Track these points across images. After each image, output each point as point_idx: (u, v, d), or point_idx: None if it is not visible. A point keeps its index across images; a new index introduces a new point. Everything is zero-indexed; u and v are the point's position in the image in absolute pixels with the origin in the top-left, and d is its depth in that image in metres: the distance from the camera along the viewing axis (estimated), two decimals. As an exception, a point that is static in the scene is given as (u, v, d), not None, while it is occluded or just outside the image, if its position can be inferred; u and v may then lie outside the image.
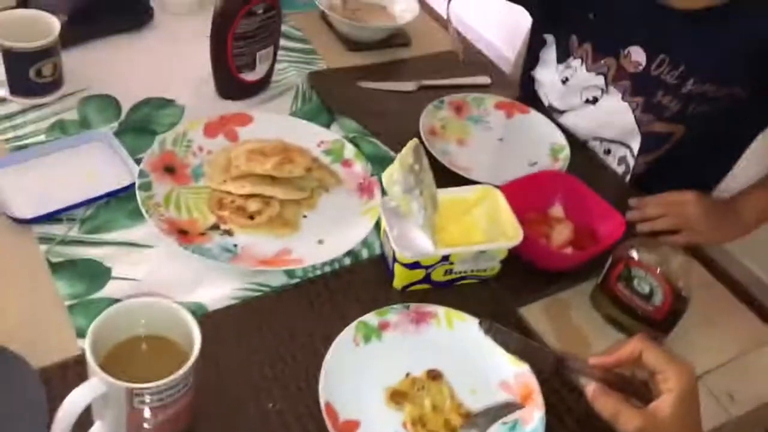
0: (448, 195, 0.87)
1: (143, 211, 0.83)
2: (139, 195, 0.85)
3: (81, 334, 0.73)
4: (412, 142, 0.83)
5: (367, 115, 1.08)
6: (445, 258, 0.82)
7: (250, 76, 1.05)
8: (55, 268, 0.79)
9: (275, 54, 1.08)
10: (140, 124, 0.99)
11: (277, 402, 0.72)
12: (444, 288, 0.85)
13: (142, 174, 0.88)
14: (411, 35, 1.29)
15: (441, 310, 0.81)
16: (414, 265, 0.82)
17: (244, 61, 1.03)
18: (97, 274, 0.79)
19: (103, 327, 0.62)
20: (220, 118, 0.99)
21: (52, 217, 0.83)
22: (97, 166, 0.90)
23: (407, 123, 1.06)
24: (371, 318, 0.79)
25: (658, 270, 0.80)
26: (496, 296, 0.87)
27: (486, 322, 0.69)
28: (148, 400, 0.60)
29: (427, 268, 0.82)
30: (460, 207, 0.88)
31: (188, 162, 0.93)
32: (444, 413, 0.73)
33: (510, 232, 0.85)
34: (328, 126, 1.04)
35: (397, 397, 0.74)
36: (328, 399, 0.71)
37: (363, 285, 0.84)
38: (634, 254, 0.82)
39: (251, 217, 0.88)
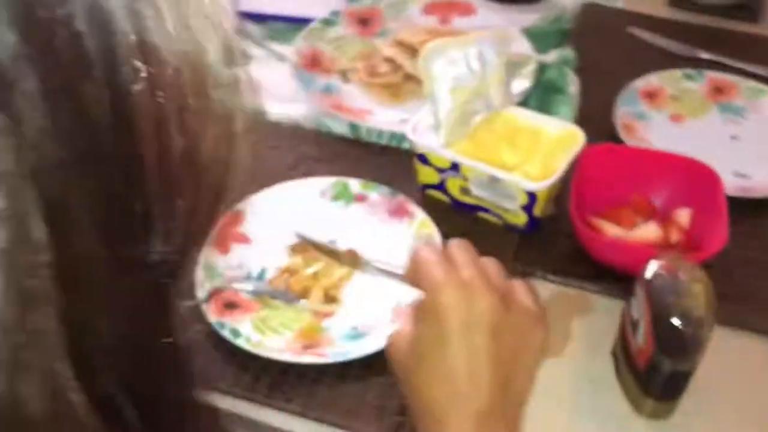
0: (528, 118, 0.74)
1: (304, 34, 0.94)
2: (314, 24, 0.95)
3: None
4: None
5: (599, 56, 0.94)
6: (456, 167, 0.71)
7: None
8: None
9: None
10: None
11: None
12: (462, 210, 0.74)
13: (333, 14, 0.97)
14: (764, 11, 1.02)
15: (420, 216, 0.72)
16: (423, 159, 0.73)
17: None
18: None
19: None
20: (448, 2, 1.00)
21: (252, 18, 1.00)
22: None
23: (631, 78, 0.89)
24: (355, 183, 0.75)
25: (650, 290, 0.56)
26: (506, 244, 0.72)
27: None
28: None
29: (439, 171, 0.73)
30: (536, 137, 0.73)
31: (385, 24, 0.98)
32: (318, 282, 0.68)
33: (544, 176, 0.68)
34: (546, 50, 0.94)
35: (299, 248, 0.71)
36: (245, 208, 0.73)
37: (401, 166, 0.79)
38: (649, 267, 0.58)
39: (372, 76, 0.90)
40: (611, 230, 0.70)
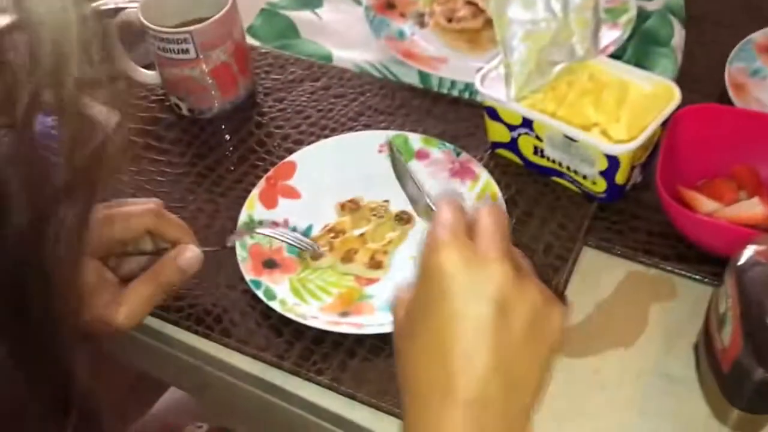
0: (617, 71, 0.64)
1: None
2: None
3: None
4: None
5: (715, 4, 0.82)
6: (528, 124, 0.63)
7: None
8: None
9: None
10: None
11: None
12: (537, 173, 0.66)
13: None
14: None
15: (485, 178, 0.64)
16: (493, 114, 0.65)
17: None
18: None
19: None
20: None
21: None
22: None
23: (752, 31, 0.76)
24: (416, 139, 0.68)
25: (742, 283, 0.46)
26: (580, 213, 0.63)
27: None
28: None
29: (510, 128, 0.65)
30: (624, 93, 0.63)
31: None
32: (365, 245, 0.62)
33: (631, 139, 0.59)
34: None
35: (351, 204, 0.65)
36: (297, 160, 0.67)
37: (471, 122, 0.71)
38: (744, 253, 0.48)
39: (450, 20, 0.81)
40: (707, 205, 0.60)
